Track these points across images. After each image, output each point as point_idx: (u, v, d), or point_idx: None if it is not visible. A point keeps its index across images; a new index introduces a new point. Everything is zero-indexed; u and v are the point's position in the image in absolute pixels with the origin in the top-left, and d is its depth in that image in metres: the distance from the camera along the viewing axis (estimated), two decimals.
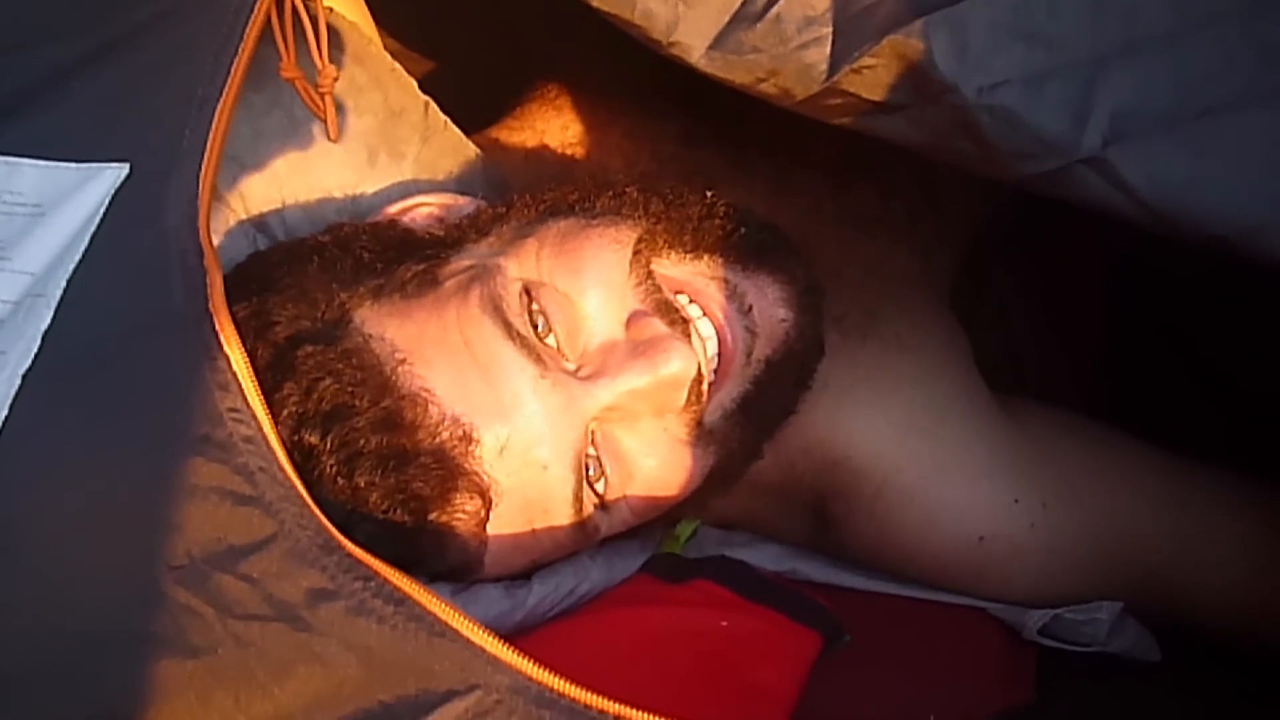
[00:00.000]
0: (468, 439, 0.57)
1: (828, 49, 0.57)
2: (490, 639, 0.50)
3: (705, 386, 0.63)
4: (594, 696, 0.49)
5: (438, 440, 0.57)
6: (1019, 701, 0.70)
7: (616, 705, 0.49)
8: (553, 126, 0.87)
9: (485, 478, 0.57)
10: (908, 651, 0.72)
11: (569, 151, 0.86)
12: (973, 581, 0.75)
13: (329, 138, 0.69)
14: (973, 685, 0.70)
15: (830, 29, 0.57)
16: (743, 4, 0.59)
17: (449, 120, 0.78)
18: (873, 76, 0.57)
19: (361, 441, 0.56)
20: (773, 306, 0.66)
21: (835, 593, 0.74)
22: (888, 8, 0.55)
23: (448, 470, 0.57)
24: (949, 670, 0.71)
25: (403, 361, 0.58)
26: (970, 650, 0.73)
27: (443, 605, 0.50)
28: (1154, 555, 0.74)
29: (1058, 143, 0.53)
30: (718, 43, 0.60)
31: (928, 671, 0.71)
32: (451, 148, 0.77)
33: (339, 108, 0.71)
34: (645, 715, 0.49)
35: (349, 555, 0.51)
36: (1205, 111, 0.51)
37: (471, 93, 0.87)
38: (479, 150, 0.79)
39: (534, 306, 0.60)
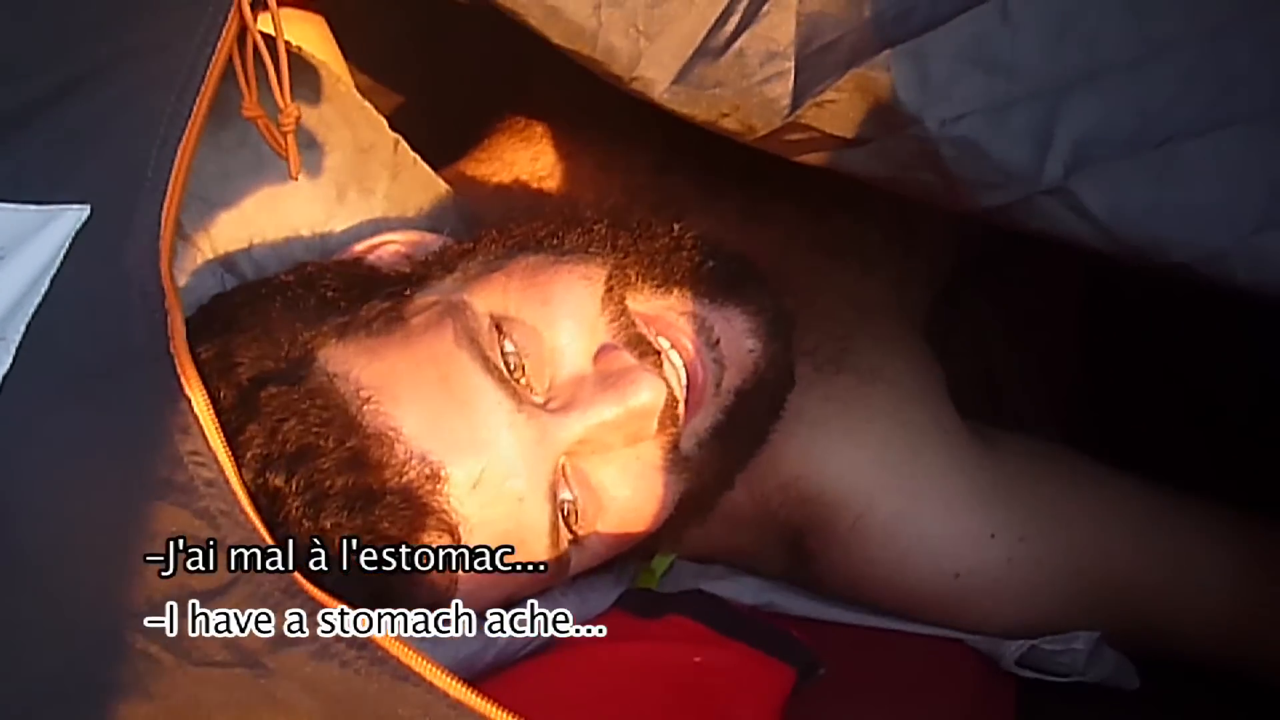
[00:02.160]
0: (435, 477, 0.56)
1: (790, 83, 0.58)
2: (454, 683, 0.49)
3: (680, 410, 0.63)
4: None
5: (404, 479, 0.56)
6: None
7: None
8: (522, 158, 0.87)
9: (454, 515, 0.57)
10: (886, 683, 0.71)
11: (539, 184, 0.86)
12: (950, 615, 0.74)
13: (290, 176, 0.69)
14: (952, 716, 0.70)
15: (792, 63, 0.58)
16: (705, 39, 0.59)
17: (418, 157, 0.77)
18: (835, 110, 0.57)
19: (328, 483, 0.55)
20: (740, 337, 0.66)
21: (812, 626, 0.74)
22: (849, 41, 0.56)
23: (415, 509, 0.56)
24: (927, 701, 0.71)
25: (368, 400, 0.57)
26: (949, 681, 0.72)
27: (406, 649, 0.49)
28: (1135, 586, 0.74)
29: (1020, 173, 0.53)
30: (680, 77, 0.60)
31: (906, 703, 0.70)
32: (421, 184, 0.77)
33: (307, 144, 0.71)
34: None
35: (312, 599, 0.50)
36: (1166, 139, 0.52)
37: (440, 126, 0.87)
38: (449, 186, 0.79)
39: (504, 341, 0.60)
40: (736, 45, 0.58)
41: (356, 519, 0.55)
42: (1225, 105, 0.52)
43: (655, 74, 0.60)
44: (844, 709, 0.68)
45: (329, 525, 0.55)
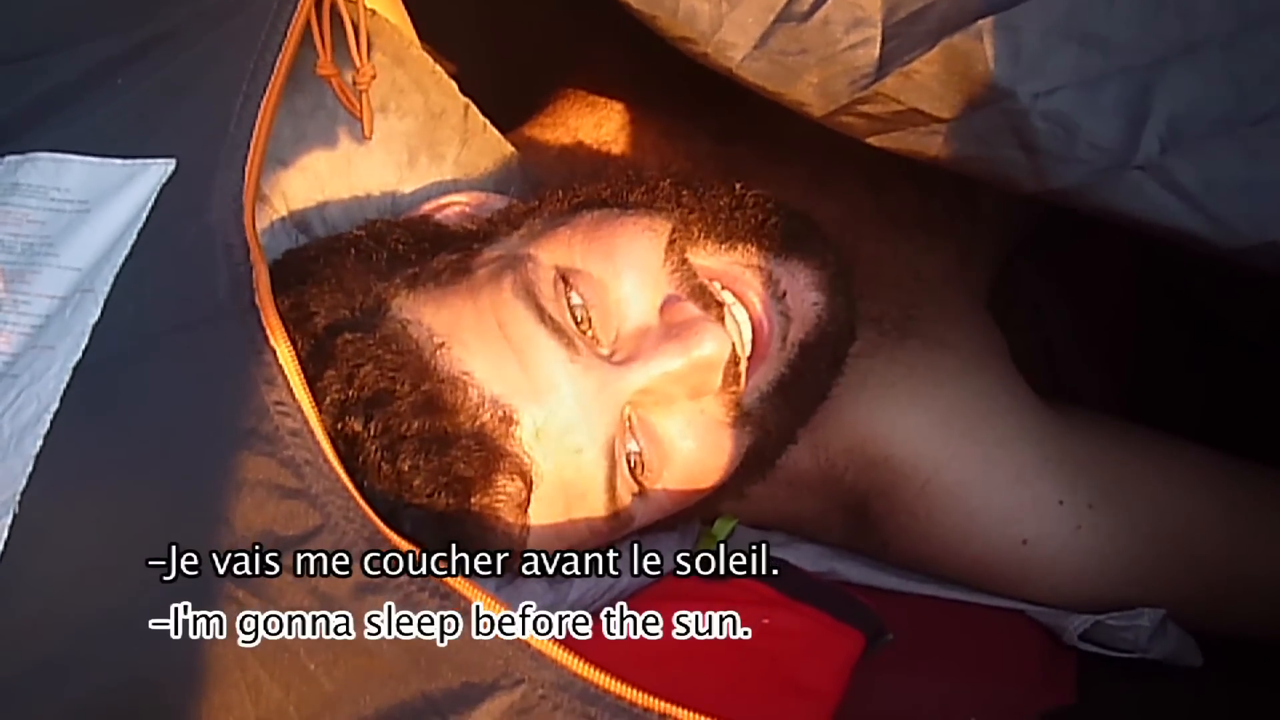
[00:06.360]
0: (508, 420, 0.57)
1: (876, 50, 0.57)
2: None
3: (742, 368, 0.63)
4: (640, 694, 0.49)
5: (478, 422, 0.57)
6: (1060, 704, 0.70)
7: (662, 704, 0.49)
8: (586, 124, 0.87)
9: (526, 459, 0.58)
10: (948, 653, 0.72)
11: (603, 149, 0.86)
12: (1016, 585, 0.74)
13: (364, 136, 0.69)
14: (1014, 687, 0.70)
15: (879, 30, 0.57)
16: (788, 3, 0.59)
17: (488, 122, 0.78)
18: (920, 81, 0.56)
19: (404, 426, 0.56)
20: (805, 290, 0.66)
21: (874, 593, 0.74)
22: (939, 11, 0.55)
23: (489, 452, 0.57)
24: (990, 672, 0.71)
25: (441, 345, 0.58)
26: (1011, 652, 0.72)
27: (489, 600, 0.50)
28: (1201, 555, 0.73)
29: (1113, 147, 0.53)
30: (762, 42, 0.60)
31: (969, 673, 0.71)
32: (490, 149, 0.77)
33: (380, 108, 0.71)
34: (691, 714, 0.49)
35: (395, 547, 0.51)
36: (1265, 115, 0.51)
37: (503, 91, 0.88)
38: (516, 151, 0.80)
39: (570, 292, 0.60)
40: (821, 12, 0.58)
41: (433, 461, 0.56)
42: None
43: (736, 38, 0.60)
44: (907, 676, 0.68)
45: (406, 468, 0.56)
